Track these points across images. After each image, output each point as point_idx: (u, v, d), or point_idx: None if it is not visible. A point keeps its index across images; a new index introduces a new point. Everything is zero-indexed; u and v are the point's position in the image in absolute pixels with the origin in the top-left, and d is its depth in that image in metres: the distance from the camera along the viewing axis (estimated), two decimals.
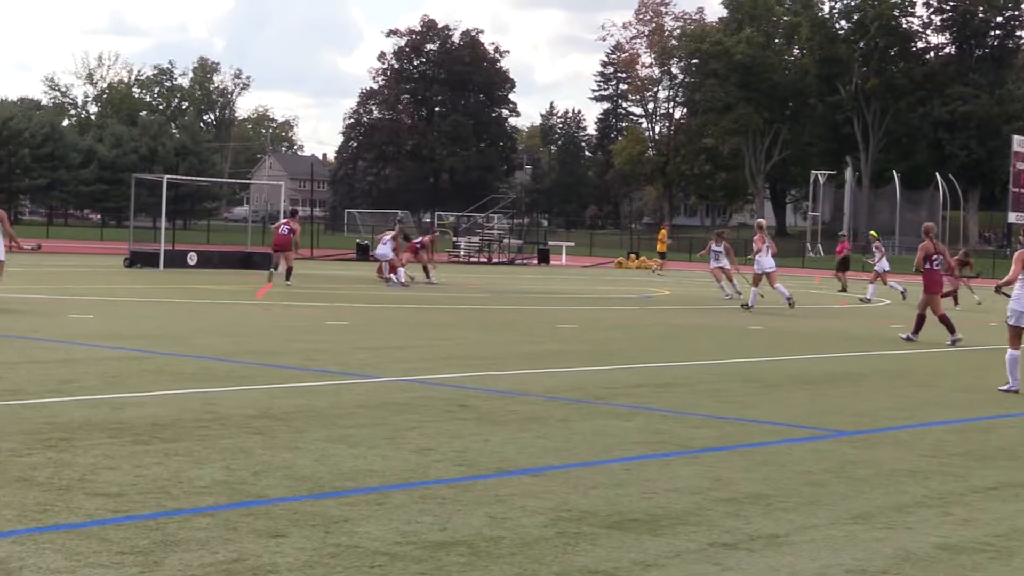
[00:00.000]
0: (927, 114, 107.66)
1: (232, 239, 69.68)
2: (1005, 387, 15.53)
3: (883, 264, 39.65)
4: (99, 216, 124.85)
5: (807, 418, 12.63)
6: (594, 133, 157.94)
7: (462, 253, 66.68)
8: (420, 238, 42.92)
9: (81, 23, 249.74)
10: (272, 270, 35.87)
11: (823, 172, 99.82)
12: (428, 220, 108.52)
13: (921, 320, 22.74)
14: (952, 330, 22.43)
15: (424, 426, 10.96)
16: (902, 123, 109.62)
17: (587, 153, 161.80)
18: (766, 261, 30.61)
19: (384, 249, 37.49)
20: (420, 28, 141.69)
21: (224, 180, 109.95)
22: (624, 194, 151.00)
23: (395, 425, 10.96)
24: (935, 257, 22.32)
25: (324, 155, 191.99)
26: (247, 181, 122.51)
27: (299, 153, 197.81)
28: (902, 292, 38.41)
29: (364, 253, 60.91)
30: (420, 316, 25.26)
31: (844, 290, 43.05)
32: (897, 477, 9.62)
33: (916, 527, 7.97)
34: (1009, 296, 15.51)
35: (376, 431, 10.61)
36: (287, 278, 34.63)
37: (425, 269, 39.98)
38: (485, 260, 65.61)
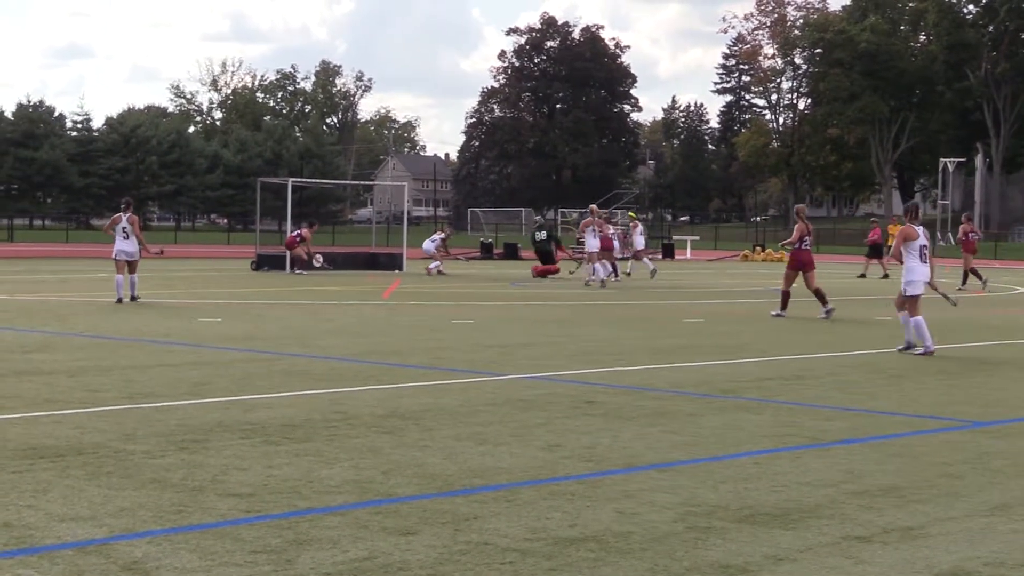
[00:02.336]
0: None
1: (357, 240, 70.32)
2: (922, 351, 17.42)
3: (640, 242, 43.71)
4: (226, 220, 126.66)
5: (939, 409, 12.41)
6: (717, 126, 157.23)
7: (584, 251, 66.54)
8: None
9: (204, 30, 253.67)
10: (304, 267, 40.38)
11: (952, 160, 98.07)
12: (552, 216, 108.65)
13: (787, 297, 24.26)
14: (784, 306, 24.07)
15: (552, 423, 10.95)
16: None
17: (710, 146, 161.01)
18: (593, 242, 35.93)
19: (429, 245, 42.33)
20: (540, 26, 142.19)
21: (348, 182, 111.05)
22: (748, 187, 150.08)
23: (523, 422, 10.96)
24: (807, 237, 23.97)
25: (447, 155, 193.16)
26: (371, 183, 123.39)
27: (421, 153, 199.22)
28: (653, 270, 41.29)
29: (488, 251, 61.10)
30: (545, 313, 25.26)
31: (863, 276, 43.25)
32: None
33: None
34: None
35: (504, 428, 10.62)
36: (293, 267, 40.33)
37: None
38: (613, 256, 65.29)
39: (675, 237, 77.30)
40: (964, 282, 36.01)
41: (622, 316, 24.85)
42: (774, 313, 24.09)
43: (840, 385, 14.10)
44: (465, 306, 26.58)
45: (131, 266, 25.46)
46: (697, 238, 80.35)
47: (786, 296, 24.18)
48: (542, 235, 43.00)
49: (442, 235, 43.55)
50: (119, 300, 24.84)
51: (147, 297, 25.88)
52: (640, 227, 45.27)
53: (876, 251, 44.94)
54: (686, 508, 7.78)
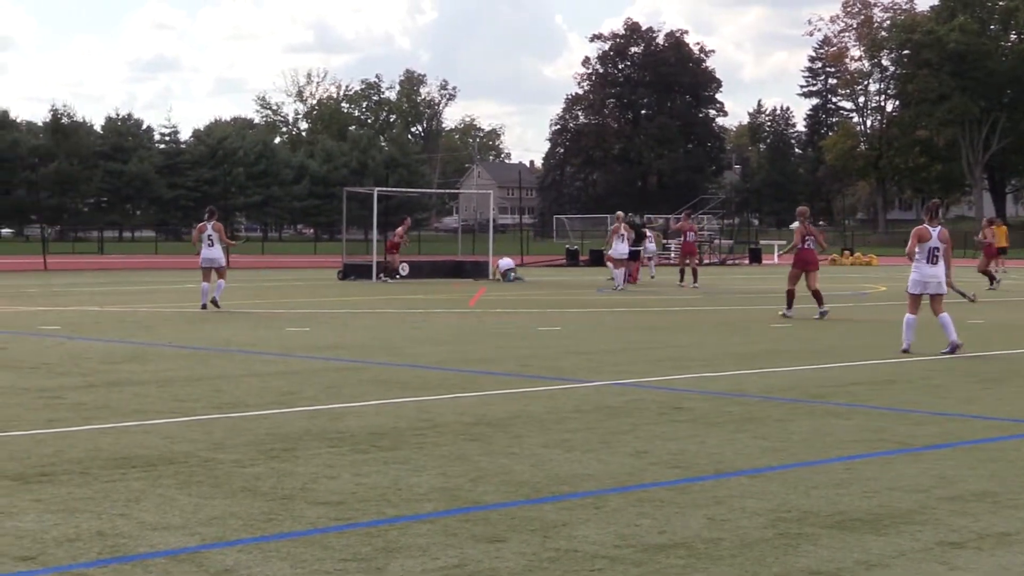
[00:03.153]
0: None
1: (443, 248, 70.54)
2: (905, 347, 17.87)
3: (649, 248, 46.27)
4: (312, 230, 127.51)
5: None
6: (803, 129, 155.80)
7: (672, 255, 66.34)
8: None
9: (288, 41, 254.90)
10: (393, 276, 41.81)
11: None
12: (638, 223, 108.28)
13: (791, 295, 24.89)
14: (820, 302, 24.74)
15: (639, 429, 10.91)
16: None
17: (797, 150, 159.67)
18: (621, 248, 36.15)
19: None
20: (624, 31, 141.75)
21: (433, 191, 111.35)
22: (836, 190, 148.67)
23: (610, 429, 10.93)
24: (808, 237, 24.69)
25: (531, 162, 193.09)
26: (456, 191, 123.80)
27: (506, 161, 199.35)
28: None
29: (574, 258, 60.97)
30: (632, 319, 25.19)
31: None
32: None
33: None
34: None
35: (591, 435, 10.59)
36: (381, 274, 41.14)
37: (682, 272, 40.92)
38: (696, 261, 65.08)
39: (762, 242, 76.79)
40: (992, 282, 36.21)
41: (708, 322, 24.72)
42: (782, 313, 24.72)
43: (931, 389, 13.95)
44: (551, 313, 26.57)
45: (219, 272, 26.34)
46: (784, 243, 79.74)
47: (791, 295, 24.78)
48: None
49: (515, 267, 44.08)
50: (203, 307, 25.71)
51: (236, 307, 26.14)
52: (650, 234, 46.50)
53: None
54: (777, 514, 7.72)
